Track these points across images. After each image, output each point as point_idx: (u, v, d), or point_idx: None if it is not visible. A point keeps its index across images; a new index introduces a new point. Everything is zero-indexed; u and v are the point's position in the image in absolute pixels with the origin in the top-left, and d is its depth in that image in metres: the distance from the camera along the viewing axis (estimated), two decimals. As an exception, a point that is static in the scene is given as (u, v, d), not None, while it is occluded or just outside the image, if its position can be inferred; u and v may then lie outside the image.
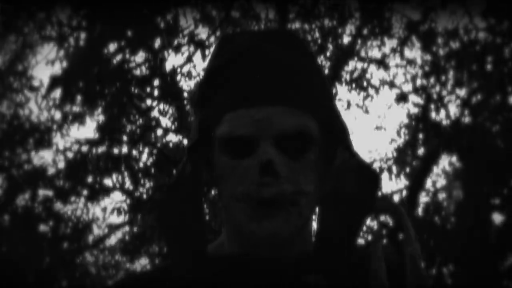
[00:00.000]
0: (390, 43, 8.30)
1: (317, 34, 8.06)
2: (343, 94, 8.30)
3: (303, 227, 1.28)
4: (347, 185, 1.31)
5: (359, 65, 8.34)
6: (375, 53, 8.33)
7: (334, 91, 8.07)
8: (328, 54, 8.06)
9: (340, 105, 8.20)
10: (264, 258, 1.28)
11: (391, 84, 8.36)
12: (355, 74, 8.23)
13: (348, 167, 1.31)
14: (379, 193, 1.33)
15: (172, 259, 1.31)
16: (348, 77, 8.22)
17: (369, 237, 9.23)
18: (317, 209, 1.33)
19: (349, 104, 8.21)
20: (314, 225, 1.34)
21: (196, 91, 1.35)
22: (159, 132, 8.39)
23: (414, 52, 8.36)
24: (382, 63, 8.26)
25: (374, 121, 10.02)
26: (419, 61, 8.38)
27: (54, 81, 8.24)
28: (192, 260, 1.28)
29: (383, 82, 8.34)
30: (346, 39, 8.26)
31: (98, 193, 8.65)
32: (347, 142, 1.31)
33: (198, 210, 1.32)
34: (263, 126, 1.24)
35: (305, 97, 1.27)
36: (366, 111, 8.32)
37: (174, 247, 1.30)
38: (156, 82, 8.16)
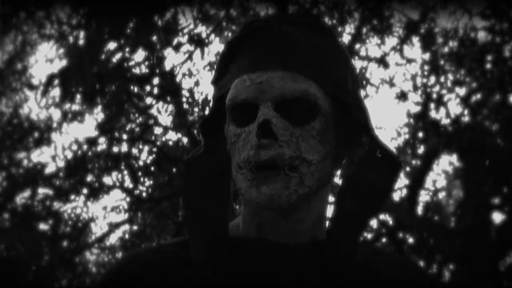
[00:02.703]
0: (390, 42, 8.30)
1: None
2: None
3: (309, 199, 1.27)
4: (369, 172, 1.30)
5: (359, 64, 8.34)
6: (375, 52, 8.34)
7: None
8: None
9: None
10: (278, 244, 1.28)
11: (391, 83, 8.36)
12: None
13: (370, 154, 1.31)
14: (396, 184, 1.33)
15: (189, 236, 1.31)
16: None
17: (369, 236, 9.23)
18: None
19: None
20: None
21: (214, 71, 1.37)
22: (159, 130, 8.40)
23: (414, 51, 8.37)
24: (382, 62, 8.26)
25: (374, 120, 10.01)
26: (419, 60, 8.39)
27: (50, 79, 8.24)
28: (209, 239, 1.29)
29: (383, 81, 8.33)
30: (346, 38, 8.26)
31: (97, 191, 8.65)
32: (368, 127, 1.30)
33: (218, 188, 1.32)
34: (263, 89, 1.25)
35: (311, 66, 1.27)
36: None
37: (193, 223, 1.30)
38: (155, 81, 8.17)
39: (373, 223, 9.18)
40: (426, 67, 8.38)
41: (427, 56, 8.36)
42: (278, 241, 1.28)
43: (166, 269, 1.29)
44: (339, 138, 1.30)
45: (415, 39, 8.28)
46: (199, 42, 7.91)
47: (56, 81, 8.17)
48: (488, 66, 8.22)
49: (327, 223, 1.32)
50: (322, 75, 1.28)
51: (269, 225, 1.28)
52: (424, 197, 9.11)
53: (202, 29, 8.09)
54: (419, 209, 8.97)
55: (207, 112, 1.50)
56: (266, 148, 1.22)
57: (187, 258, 1.28)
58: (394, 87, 8.40)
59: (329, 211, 1.33)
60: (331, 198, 1.39)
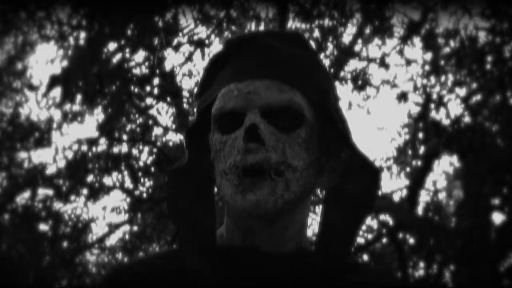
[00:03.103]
0: (391, 43, 8.30)
1: (317, 33, 8.06)
2: (343, 94, 8.30)
3: (293, 206, 1.28)
4: (351, 183, 1.32)
5: (360, 65, 8.33)
6: (376, 53, 8.33)
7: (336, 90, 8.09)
8: (327, 53, 8.05)
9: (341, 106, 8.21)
10: (265, 252, 1.29)
11: (393, 85, 8.35)
12: (355, 74, 8.23)
13: (351, 164, 1.33)
14: (379, 192, 1.35)
15: (180, 245, 1.32)
16: (349, 76, 8.22)
17: (369, 237, 9.24)
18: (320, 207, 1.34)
19: (350, 105, 8.21)
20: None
21: (198, 85, 1.39)
22: (159, 131, 8.40)
23: (414, 52, 8.37)
24: (382, 63, 8.25)
25: (375, 121, 10.02)
26: (419, 60, 8.38)
27: (53, 80, 8.24)
28: (198, 249, 1.30)
29: (383, 82, 8.33)
30: (346, 39, 8.26)
31: (98, 192, 8.65)
32: (348, 137, 1.32)
33: (204, 198, 1.33)
34: (251, 97, 1.26)
35: (295, 75, 1.29)
36: (368, 112, 8.32)
37: (183, 233, 1.31)
38: (156, 81, 8.17)
39: (374, 223, 9.18)
40: (426, 68, 8.38)
41: (427, 56, 8.37)
42: (265, 249, 1.29)
43: (156, 280, 1.29)
44: (323, 149, 1.32)
45: (416, 40, 8.29)
46: (199, 43, 7.91)
47: (58, 82, 8.18)
48: (488, 66, 8.22)
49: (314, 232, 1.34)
50: (306, 85, 1.30)
51: (254, 232, 1.29)
52: (424, 197, 9.12)
53: (202, 30, 8.10)
54: (420, 210, 8.98)
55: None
56: (253, 153, 1.23)
57: (177, 269, 1.29)
58: (395, 87, 8.41)
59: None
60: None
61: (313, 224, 5.95)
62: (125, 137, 8.46)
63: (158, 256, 1.35)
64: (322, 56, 8.00)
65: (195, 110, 1.38)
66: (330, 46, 8.12)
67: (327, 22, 8.03)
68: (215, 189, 1.32)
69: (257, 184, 1.23)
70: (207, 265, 1.28)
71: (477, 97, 8.42)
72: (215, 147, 1.29)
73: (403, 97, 8.38)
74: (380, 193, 9.04)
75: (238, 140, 1.25)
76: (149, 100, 8.30)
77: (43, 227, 9.34)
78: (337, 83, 8.16)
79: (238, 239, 1.30)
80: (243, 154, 1.24)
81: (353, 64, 8.35)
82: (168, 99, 8.11)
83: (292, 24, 7.99)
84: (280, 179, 1.24)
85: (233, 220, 1.31)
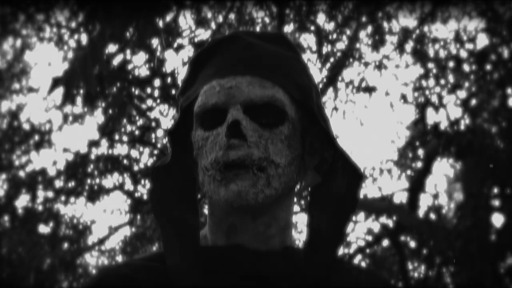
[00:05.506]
0: (388, 48, 8.29)
1: (313, 38, 8.07)
2: (343, 98, 8.29)
3: (275, 202, 1.29)
4: (333, 182, 1.33)
5: (358, 69, 8.33)
6: (374, 56, 8.33)
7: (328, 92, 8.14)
8: (323, 58, 8.04)
9: (342, 108, 8.23)
10: (251, 249, 1.29)
11: (387, 93, 8.36)
12: (353, 77, 8.23)
13: (334, 163, 1.34)
14: (361, 192, 1.36)
15: (164, 247, 1.31)
16: (349, 79, 8.21)
17: (370, 239, 9.24)
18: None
19: (344, 113, 8.22)
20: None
21: (181, 84, 1.39)
22: (160, 132, 8.41)
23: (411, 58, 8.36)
24: (379, 66, 8.25)
25: (375, 123, 10.04)
26: (418, 64, 8.38)
27: (55, 82, 8.24)
28: (181, 250, 1.29)
29: (376, 89, 8.31)
30: (343, 44, 8.24)
31: (98, 194, 8.65)
32: (330, 135, 1.33)
33: (187, 197, 1.33)
34: (232, 93, 1.27)
35: (277, 72, 1.31)
36: (361, 123, 8.33)
37: (165, 234, 1.31)
38: (156, 83, 8.17)
39: (375, 226, 9.19)
40: (425, 69, 8.38)
41: (428, 58, 8.36)
42: (249, 246, 1.29)
43: (142, 282, 1.28)
44: (306, 147, 1.33)
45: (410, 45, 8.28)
46: (200, 44, 7.92)
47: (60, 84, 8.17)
48: (488, 67, 8.22)
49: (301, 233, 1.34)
50: (288, 82, 1.31)
51: (238, 230, 1.29)
52: (425, 200, 9.13)
53: (201, 32, 8.11)
54: (421, 212, 8.98)
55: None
56: (235, 149, 1.24)
57: (163, 271, 1.29)
58: (392, 93, 8.41)
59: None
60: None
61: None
62: (125, 138, 8.46)
63: (144, 258, 1.35)
64: (319, 60, 8.02)
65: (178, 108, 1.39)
66: (326, 50, 8.11)
67: (325, 26, 8.03)
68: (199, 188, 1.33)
69: (240, 176, 1.24)
70: (192, 266, 1.28)
71: (477, 99, 8.42)
72: (197, 144, 1.30)
73: (402, 98, 8.39)
74: (380, 195, 9.06)
75: (221, 136, 1.26)
76: (149, 102, 8.31)
77: (43, 229, 9.35)
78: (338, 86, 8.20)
79: (222, 239, 1.31)
80: (225, 150, 1.24)
81: (354, 68, 8.34)
82: (169, 100, 8.12)
83: (288, 28, 8.00)
84: (262, 174, 1.25)
85: (216, 219, 1.31)
